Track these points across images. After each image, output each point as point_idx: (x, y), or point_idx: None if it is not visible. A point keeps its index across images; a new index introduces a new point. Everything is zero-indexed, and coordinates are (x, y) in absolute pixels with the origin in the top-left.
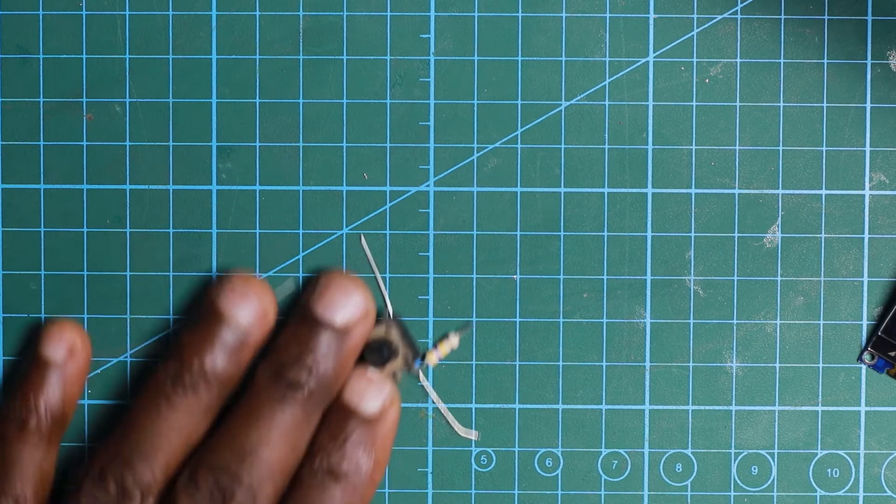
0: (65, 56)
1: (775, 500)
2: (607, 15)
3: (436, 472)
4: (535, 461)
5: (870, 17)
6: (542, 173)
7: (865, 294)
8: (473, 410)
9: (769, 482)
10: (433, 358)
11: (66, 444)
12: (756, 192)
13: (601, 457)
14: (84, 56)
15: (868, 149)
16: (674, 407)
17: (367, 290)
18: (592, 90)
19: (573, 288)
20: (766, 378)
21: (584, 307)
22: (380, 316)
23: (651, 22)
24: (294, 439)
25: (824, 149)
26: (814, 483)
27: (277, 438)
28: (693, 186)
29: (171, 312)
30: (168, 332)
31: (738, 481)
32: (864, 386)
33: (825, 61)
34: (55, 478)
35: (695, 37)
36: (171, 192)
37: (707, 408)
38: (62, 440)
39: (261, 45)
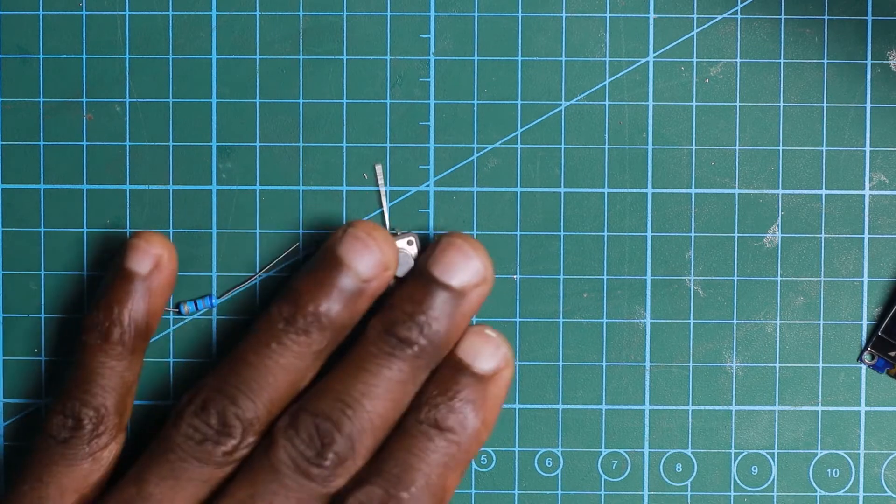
0: (65, 56)
1: (775, 500)
2: (607, 15)
3: None
4: (536, 461)
5: (870, 17)
6: (542, 173)
7: (865, 294)
8: None
9: (769, 482)
10: None
11: (149, 360)
12: (756, 192)
13: (601, 457)
14: (84, 56)
15: (868, 149)
16: (674, 407)
17: (487, 255)
18: (592, 90)
19: (573, 288)
20: (766, 378)
21: (584, 307)
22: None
23: (651, 22)
24: (398, 395)
25: (824, 149)
26: (814, 483)
27: (382, 392)
28: (693, 186)
29: (171, 312)
30: (168, 332)
31: (738, 481)
32: (864, 386)
33: (825, 61)
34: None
35: (695, 37)
36: (171, 192)
37: (707, 408)
38: (145, 354)
39: (261, 45)
